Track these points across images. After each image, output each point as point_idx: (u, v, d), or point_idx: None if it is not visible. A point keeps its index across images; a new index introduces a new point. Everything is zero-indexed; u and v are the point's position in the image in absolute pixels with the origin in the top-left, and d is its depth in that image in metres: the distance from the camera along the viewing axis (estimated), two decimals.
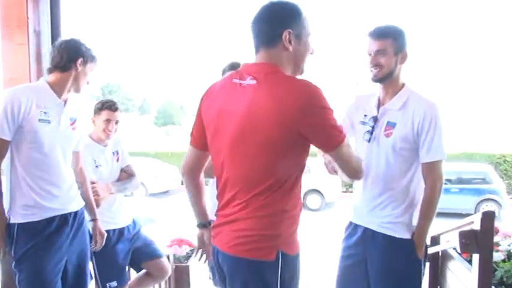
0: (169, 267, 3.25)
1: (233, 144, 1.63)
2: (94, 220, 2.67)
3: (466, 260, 3.22)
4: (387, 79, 2.18)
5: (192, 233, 3.15)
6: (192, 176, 1.90)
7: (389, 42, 2.14)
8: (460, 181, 13.73)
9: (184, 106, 59.86)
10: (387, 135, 2.17)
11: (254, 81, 1.60)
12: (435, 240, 3.74)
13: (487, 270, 2.81)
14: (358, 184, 2.36)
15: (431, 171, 2.14)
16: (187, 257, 3.86)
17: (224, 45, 65.23)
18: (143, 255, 3.11)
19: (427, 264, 3.70)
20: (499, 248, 3.11)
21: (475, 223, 2.86)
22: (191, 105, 56.38)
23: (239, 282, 1.67)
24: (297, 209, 1.70)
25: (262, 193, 1.61)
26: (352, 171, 1.71)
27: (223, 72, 2.66)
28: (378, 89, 2.26)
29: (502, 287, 2.87)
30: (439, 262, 3.68)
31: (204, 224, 2.00)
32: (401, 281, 2.22)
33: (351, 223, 2.39)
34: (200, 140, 1.80)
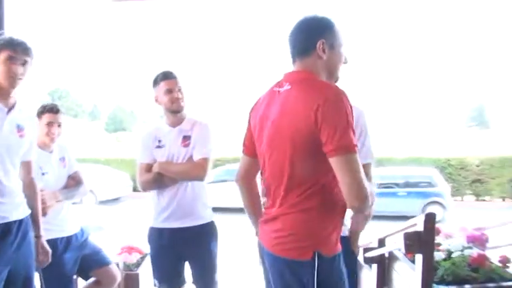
0: (118, 274, 3.20)
1: (270, 145, 1.74)
2: (38, 237, 2.56)
3: (410, 260, 3.35)
4: None
5: (142, 240, 3.12)
6: (244, 184, 2.00)
7: None
8: (407, 185, 14.17)
9: (135, 112, 58.87)
10: None
11: (289, 87, 1.72)
12: (382, 243, 3.87)
13: (429, 269, 2.93)
14: None
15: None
16: (137, 264, 3.81)
17: (172, 50, 64.71)
18: (92, 263, 3.06)
19: (375, 266, 3.82)
20: (440, 247, 3.24)
21: (418, 225, 2.98)
22: (142, 111, 55.56)
23: (278, 278, 1.73)
24: (336, 210, 1.72)
25: (295, 192, 1.68)
26: (350, 188, 1.58)
27: (156, 80, 2.70)
28: None
29: (442, 284, 2.99)
30: (385, 263, 3.81)
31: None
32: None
33: None
34: (251, 148, 1.91)
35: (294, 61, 1.78)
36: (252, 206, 2.02)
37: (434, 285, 2.93)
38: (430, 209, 13.43)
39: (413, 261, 3.24)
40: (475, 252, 3.14)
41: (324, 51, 1.72)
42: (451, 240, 3.38)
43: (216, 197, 8.43)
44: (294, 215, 1.69)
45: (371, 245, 4.04)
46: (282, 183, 1.71)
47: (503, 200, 15.90)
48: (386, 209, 13.96)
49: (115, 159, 18.59)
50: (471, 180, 15.98)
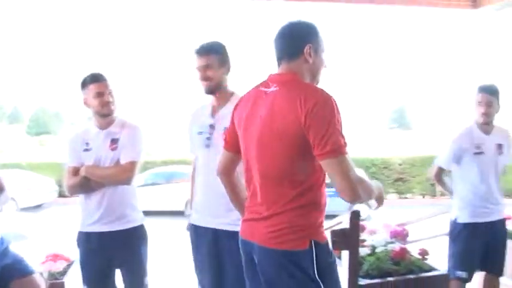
0: (42, 284, 3.06)
1: (258, 144, 1.80)
2: None
3: (337, 256, 3.46)
4: (217, 90, 2.44)
5: (69, 247, 3.01)
6: (225, 177, 2.07)
7: (213, 57, 2.41)
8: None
9: (60, 113, 56.46)
10: None
11: (276, 88, 1.79)
12: None
13: (354, 264, 3.05)
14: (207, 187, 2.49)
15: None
16: (63, 272, 3.66)
17: (99, 50, 62.74)
18: (13, 272, 2.89)
19: None
20: (365, 243, 3.38)
21: (344, 222, 3.10)
22: (68, 112, 53.35)
23: (276, 270, 1.78)
24: (322, 202, 1.84)
25: (287, 191, 1.76)
26: (345, 187, 1.69)
27: (85, 82, 2.65)
28: (210, 99, 2.52)
29: (367, 278, 3.13)
30: None
31: None
32: None
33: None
34: (232, 144, 1.98)
35: (280, 63, 1.86)
36: (235, 197, 2.10)
37: (360, 279, 3.07)
38: (356, 206, 13.89)
39: (339, 258, 3.38)
40: (397, 246, 3.31)
41: (310, 55, 1.82)
42: (375, 236, 3.54)
43: (146, 200, 8.31)
44: (288, 213, 1.76)
45: None
46: (273, 182, 1.79)
47: (424, 197, 16.79)
48: None
49: (38, 163, 17.70)
50: (394, 179, 16.71)
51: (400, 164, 16.62)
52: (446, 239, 3.32)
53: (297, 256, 1.76)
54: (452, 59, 61.84)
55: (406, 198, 16.83)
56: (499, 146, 3.07)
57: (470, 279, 3.17)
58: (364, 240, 3.39)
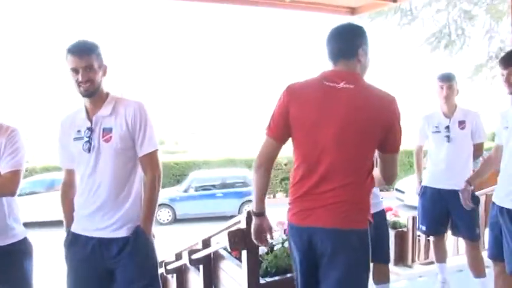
0: None
1: (338, 135, 1.91)
2: None
3: (236, 258, 3.46)
4: (96, 92, 2.25)
5: None
6: (268, 167, 2.09)
7: (94, 58, 2.22)
8: (224, 186, 14.75)
9: None
10: (106, 141, 2.23)
11: (350, 85, 1.94)
12: (206, 244, 3.93)
13: (254, 263, 3.07)
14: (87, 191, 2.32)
15: (150, 161, 2.27)
16: None
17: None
18: None
19: (201, 267, 3.85)
20: None
21: (241, 222, 3.09)
22: None
23: (346, 251, 1.92)
24: (372, 187, 2.05)
25: (359, 175, 1.95)
26: (394, 175, 2.10)
27: None
28: (84, 103, 2.31)
29: (267, 276, 3.16)
30: (211, 264, 3.87)
31: (264, 213, 2.18)
32: None
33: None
34: (282, 134, 2.03)
35: (336, 61, 2.02)
36: (267, 187, 2.15)
37: (260, 278, 3.08)
38: (247, 207, 14.16)
39: (238, 259, 3.37)
40: None
41: (363, 56, 2.01)
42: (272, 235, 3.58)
43: (24, 212, 7.63)
44: (357, 193, 1.96)
45: (196, 247, 4.08)
46: (348, 167, 1.94)
47: None
48: (206, 210, 14.36)
49: None
50: (281, 179, 17.24)
51: (285, 164, 17.21)
52: None
53: (362, 235, 1.99)
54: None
55: None
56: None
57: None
58: None
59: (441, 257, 3.68)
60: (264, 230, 2.20)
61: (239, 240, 3.02)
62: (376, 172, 2.09)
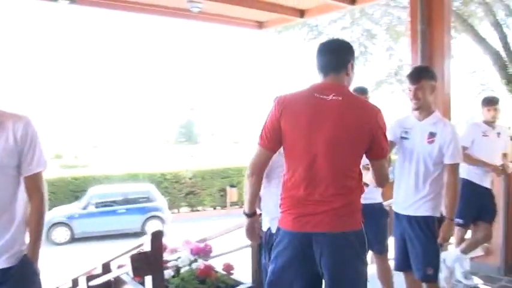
0: None
1: (330, 143, 2.03)
2: None
3: (139, 282, 3.19)
4: None
5: None
6: (259, 174, 2.23)
7: None
8: (127, 201, 14.15)
9: None
10: None
11: (339, 97, 2.06)
12: (106, 268, 3.61)
13: None
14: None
15: (38, 182, 2.05)
16: None
17: None
18: None
19: None
20: (168, 264, 3.19)
21: (145, 244, 2.86)
22: None
23: (346, 252, 2.03)
24: (362, 191, 2.16)
25: (349, 180, 2.07)
26: (385, 179, 2.27)
27: None
28: None
29: None
30: None
31: (255, 213, 2.34)
32: None
33: None
34: (274, 144, 2.13)
35: (326, 74, 2.13)
36: (258, 191, 2.29)
37: None
38: (150, 223, 13.71)
39: (142, 283, 3.11)
40: (201, 264, 3.20)
41: (350, 70, 2.15)
42: (177, 254, 3.37)
43: None
44: (349, 197, 2.07)
45: (95, 272, 3.75)
46: (338, 174, 2.05)
47: (214, 208, 17.43)
48: (108, 227, 13.66)
49: None
50: (185, 193, 16.99)
51: (190, 178, 16.95)
52: (249, 250, 3.34)
53: (360, 235, 2.13)
54: (241, 73, 66.41)
55: (198, 210, 17.23)
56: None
57: None
58: (167, 261, 3.19)
59: None
60: (255, 228, 2.37)
61: (143, 266, 2.78)
62: (369, 176, 2.27)
